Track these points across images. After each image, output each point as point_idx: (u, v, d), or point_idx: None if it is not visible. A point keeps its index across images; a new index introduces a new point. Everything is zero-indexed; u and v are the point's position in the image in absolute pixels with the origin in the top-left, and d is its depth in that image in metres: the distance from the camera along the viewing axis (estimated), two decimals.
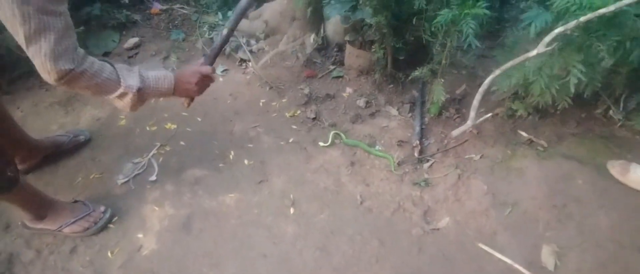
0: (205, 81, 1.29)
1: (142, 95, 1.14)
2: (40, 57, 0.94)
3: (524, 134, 1.77)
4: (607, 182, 1.57)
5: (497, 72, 1.45)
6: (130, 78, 1.11)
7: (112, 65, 1.10)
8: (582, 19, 1.20)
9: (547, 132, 1.77)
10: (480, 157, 1.69)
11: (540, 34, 1.49)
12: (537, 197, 1.54)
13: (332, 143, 1.69)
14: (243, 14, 1.36)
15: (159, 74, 1.20)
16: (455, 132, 1.53)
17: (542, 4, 1.39)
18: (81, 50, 1.02)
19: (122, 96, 1.11)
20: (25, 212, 1.37)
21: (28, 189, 1.34)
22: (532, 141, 1.74)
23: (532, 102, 1.66)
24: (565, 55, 1.42)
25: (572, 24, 1.20)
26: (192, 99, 1.36)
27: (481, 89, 1.40)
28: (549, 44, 1.23)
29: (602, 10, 1.18)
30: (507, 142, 1.75)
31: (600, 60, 1.36)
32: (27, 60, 0.98)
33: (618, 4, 1.19)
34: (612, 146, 1.71)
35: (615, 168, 1.60)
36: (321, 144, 1.70)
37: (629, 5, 1.22)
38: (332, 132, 1.70)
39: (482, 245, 1.41)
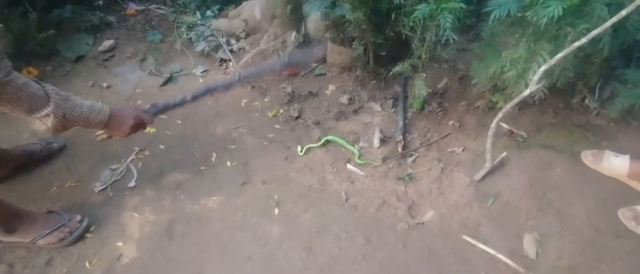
0: (139, 127, 1.30)
1: (67, 121, 1.09)
2: None
3: (504, 125, 1.79)
4: (584, 170, 1.61)
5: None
6: (60, 100, 1.06)
7: (40, 84, 1.06)
8: (561, 54, 1.24)
9: (526, 123, 1.80)
10: (463, 150, 1.71)
11: (513, 24, 1.51)
12: (518, 187, 1.56)
13: (306, 151, 1.69)
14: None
15: (95, 106, 1.18)
16: (477, 176, 1.57)
17: None
18: (8, 62, 0.98)
19: (45, 117, 1.05)
20: None
21: None
22: (512, 132, 1.76)
23: (511, 93, 1.69)
24: (537, 45, 1.44)
25: (554, 59, 1.24)
26: (110, 137, 1.36)
27: (490, 132, 1.44)
28: (538, 82, 1.27)
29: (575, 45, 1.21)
30: (488, 134, 1.77)
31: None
32: None
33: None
34: (589, 134, 1.75)
35: (588, 158, 1.64)
36: (299, 152, 1.69)
37: None
38: (305, 147, 1.70)
39: (466, 237, 1.43)
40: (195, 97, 1.42)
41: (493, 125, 1.46)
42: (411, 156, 1.70)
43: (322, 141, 1.72)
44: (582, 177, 1.59)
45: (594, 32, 1.16)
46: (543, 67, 1.26)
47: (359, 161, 1.66)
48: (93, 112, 1.17)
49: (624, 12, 1.09)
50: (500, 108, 1.82)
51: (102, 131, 1.32)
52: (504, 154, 1.61)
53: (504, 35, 1.58)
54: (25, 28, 2.03)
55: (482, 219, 1.48)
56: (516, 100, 1.38)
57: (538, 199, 1.54)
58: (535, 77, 1.28)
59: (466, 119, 1.83)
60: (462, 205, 1.53)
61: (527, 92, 1.32)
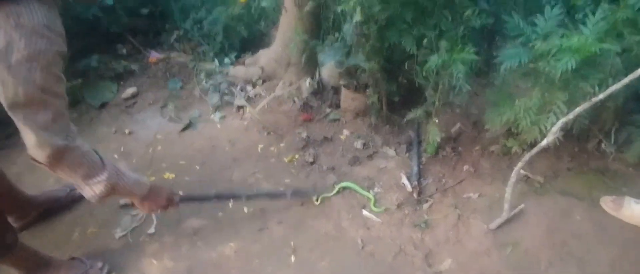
0: (167, 207, 1.36)
1: (116, 189, 1.12)
2: (34, 130, 0.92)
3: (521, 170, 1.79)
4: (604, 217, 1.59)
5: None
6: (113, 170, 1.10)
7: (96, 151, 1.10)
8: (579, 109, 1.27)
9: (542, 167, 1.80)
10: (479, 196, 1.70)
11: (525, 74, 1.55)
12: (537, 235, 1.54)
13: (323, 200, 1.71)
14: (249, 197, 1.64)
15: (140, 179, 1.23)
16: (493, 225, 1.57)
17: (525, 45, 1.46)
18: (74, 127, 1.04)
19: (97, 184, 1.07)
20: (19, 271, 1.34)
21: (24, 250, 1.31)
22: (528, 178, 1.76)
23: (526, 138, 1.70)
24: (550, 95, 1.47)
25: (572, 113, 1.28)
26: (133, 205, 1.42)
27: (511, 181, 1.46)
28: (555, 133, 1.30)
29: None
30: (504, 179, 1.76)
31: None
32: None
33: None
34: (606, 179, 1.74)
35: (608, 204, 1.61)
36: (315, 202, 1.71)
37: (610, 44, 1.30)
38: (320, 196, 1.72)
39: None
40: (222, 197, 1.64)
41: (513, 174, 1.46)
42: (427, 201, 1.70)
43: (337, 189, 1.74)
44: (602, 225, 1.56)
45: (612, 88, 1.18)
46: (561, 121, 1.28)
47: (374, 209, 1.66)
48: (137, 185, 1.21)
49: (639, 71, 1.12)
50: (515, 153, 1.83)
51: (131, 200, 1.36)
52: (522, 205, 1.60)
53: (515, 83, 1.61)
54: None
55: (501, 268, 1.45)
56: (535, 150, 1.39)
57: (558, 248, 1.51)
58: (554, 129, 1.29)
59: (481, 164, 1.84)
60: (480, 253, 1.51)
61: (544, 143, 1.33)
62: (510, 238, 1.55)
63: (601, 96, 1.21)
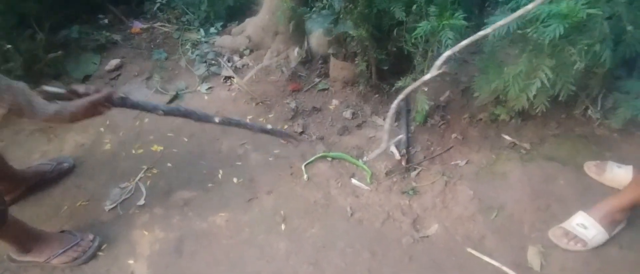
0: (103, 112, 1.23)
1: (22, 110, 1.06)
2: None
3: (507, 137, 1.81)
4: (587, 182, 1.62)
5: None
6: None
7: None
8: (465, 42, 1.19)
9: (529, 134, 1.82)
10: (466, 163, 1.72)
11: (514, 40, 1.53)
12: (522, 199, 1.58)
13: (309, 177, 1.70)
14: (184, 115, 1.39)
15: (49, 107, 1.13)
16: (370, 157, 1.57)
17: (514, 11, 1.43)
18: None
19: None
20: (10, 245, 1.35)
21: (15, 224, 1.31)
22: (515, 144, 1.78)
23: (513, 106, 1.71)
24: (538, 61, 1.46)
25: (457, 47, 1.21)
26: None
27: (390, 113, 1.39)
28: (439, 68, 1.24)
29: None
30: (491, 146, 1.79)
31: (572, 64, 1.40)
32: None
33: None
34: (591, 145, 1.77)
35: (591, 169, 1.65)
36: (305, 176, 1.70)
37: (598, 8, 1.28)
38: (303, 166, 1.71)
39: (470, 250, 1.44)
40: (167, 114, 1.36)
41: (394, 105, 1.40)
42: (415, 169, 1.72)
43: (336, 154, 1.74)
44: (585, 189, 1.60)
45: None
46: (446, 54, 1.20)
47: (369, 182, 1.67)
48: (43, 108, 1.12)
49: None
50: (503, 121, 1.85)
51: None
52: (401, 135, 1.60)
53: (505, 49, 1.60)
54: (33, 49, 2.07)
55: (486, 232, 1.50)
56: (418, 83, 1.29)
57: (542, 211, 1.55)
58: (438, 62, 1.22)
59: (469, 132, 1.85)
60: (466, 218, 1.55)
61: (427, 76, 1.26)
62: (496, 203, 1.58)
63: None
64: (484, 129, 1.85)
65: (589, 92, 1.79)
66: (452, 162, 1.74)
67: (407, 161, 1.72)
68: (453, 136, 1.84)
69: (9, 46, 1.97)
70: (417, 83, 1.28)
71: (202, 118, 1.41)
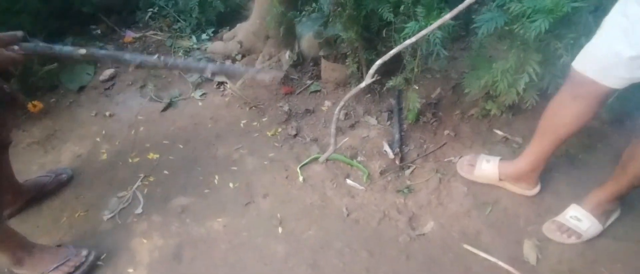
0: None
1: None
2: None
3: (499, 132, 1.83)
4: (579, 173, 1.64)
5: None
6: None
7: None
8: (399, 47, 1.29)
9: (521, 128, 1.84)
10: (459, 159, 1.74)
11: (501, 36, 1.55)
12: (515, 194, 1.59)
13: (304, 179, 1.71)
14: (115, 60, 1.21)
15: None
16: (322, 158, 1.64)
17: (501, 7, 1.45)
18: None
19: None
20: (4, 256, 1.36)
21: (8, 234, 1.32)
22: (507, 139, 1.80)
23: (504, 101, 1.72)
24: (526, 56, 1.48)
25: (392, 52, 1.29)
26: None
27: (334, 118, 1.46)
28: (372, 76, 1.32)
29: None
30: (483, 141, 1.80)
31: (559, 58, 1.42)
32: None
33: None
34: (583, 136, 1.78)
35: (464, 168, 1.66)
36: (300, 178, 1.71)
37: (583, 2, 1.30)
38: (298, 169, 1.72)
39: (467, 246, 1.46)
40: (141, 65, 1.14)
41: (336, 112, 1.47)
42: (409, 168, 1.74)
43: (334, 156, 1.75)
44: (578, 180, 1.62)
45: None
46: (378, 62, 1.31)
47: (366, 181, 1.68)
48: None
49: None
50: (494, 115, 1.86)
51: None
52: (346, 139, 1.63)
53: (493, 46, 1.62)
54: (28, 62, 2.09)
55: (481, 227, 1.51)
56: (353, 92, 1.39)
57: (536, 205, 1.57)
58: (371, 71, 1.32)
59: (461, 128, 1.87)
60: (461, 214, 1.56)
61: (363, 85, 1.35)
62: (490, 198, 1.60)
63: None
64: (475, 125, 1.87)
65: None
66: (446, 159, 1.75)
67: (401, 160, 1.74)
68: (445, 132, 1.86)
69: None
70: (353, 91, 1.35)
71: (146, 62, 1.18)
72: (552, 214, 1.51)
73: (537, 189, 1.57)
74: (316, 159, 1.78)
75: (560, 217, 1.47)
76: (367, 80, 1.27)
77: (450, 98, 2.00)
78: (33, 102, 2.00)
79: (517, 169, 1.53)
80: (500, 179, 1.58)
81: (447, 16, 1.17)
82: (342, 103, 1.36)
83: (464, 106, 1.92)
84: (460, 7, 1.15)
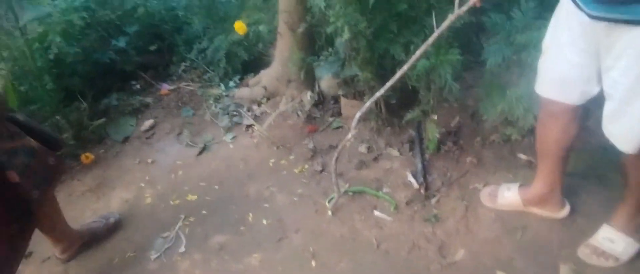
0: None
1: None
2: None
3: (522, 156, 1.85)
4: (609, 192, 1.62)
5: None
6: None
7: None
8: (378, 93, 1.45)
9: None
10: (484, 186, 1.76)
11: (509, 67, 1.62)
12: (544, 217, 1.59)
13: (333, 212, 1.78)
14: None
15: None
16: (330, 205, 1.73)
17: (507, 39, 1.53)
18: None
19: None
20: None
21: None
22: (531, 162, 1.81)
23: (523, 125, 1.76)
24: None
25: (374, 97, 1.45)
26: None
27: (335, 157, 1.61)
28: (355, 126, 1.46)
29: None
30: (507, 167, 1.83)
31: None
32: None
33: None
34: (609, 154, 1.76)
35: (486, 198, 1.67)
36: (329, 212, 1.79)
37: None
38: (329, 201, 1.79)
39: (500, 272, 1.46)
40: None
41: (333, 162, 1.59)
42: (434, 196, 1.78)
43: (356, 189, 1.83)
44: (608, 199, 1.59)
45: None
46: (358, 114, 1.46)
47: (393, 211, 1.73)
48: None
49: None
50: (516, 140, 1.89)
51: None
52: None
53: (503, 74, 1.68)
54: (80, 119, 2.35)
55: (514, 253, 1.51)
56: (344, 141, 1.54)
57: (567, 227, 1.56)
58: (354, 123, 1.47)
59: (483, 154, 1.90)
60: (491, 240, 1.57)
61: (349, 136, 1.51)
62: (519, 223, 1.60)
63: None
64: (498, 150, 1.90)
65: (601, 103, 1.82)
66: (471, 187, 1.78)
67: (426, 189, 1.78)
68: (468, 160, 1.89)
69: (58, 118, 2.26)
70: (344, 142, 1.52)
71: None
72: (586, 237, 1.49)
73: (565, 211, 1.56)
74: (345, 192, 1.84)
75: (593, 239, 1.45)
76: (352, 131, 1.40)
77: (469, 126, 2.05)
78: (85, 154, 2.22)
79: (536, 193, 1.54)
80: (524, 207, 1.59)
81: (430, 39, 1.27)
82: (340, 147, 1.51)
83: (484, 132, 1.96)
84: (441, 28, 1.24)
